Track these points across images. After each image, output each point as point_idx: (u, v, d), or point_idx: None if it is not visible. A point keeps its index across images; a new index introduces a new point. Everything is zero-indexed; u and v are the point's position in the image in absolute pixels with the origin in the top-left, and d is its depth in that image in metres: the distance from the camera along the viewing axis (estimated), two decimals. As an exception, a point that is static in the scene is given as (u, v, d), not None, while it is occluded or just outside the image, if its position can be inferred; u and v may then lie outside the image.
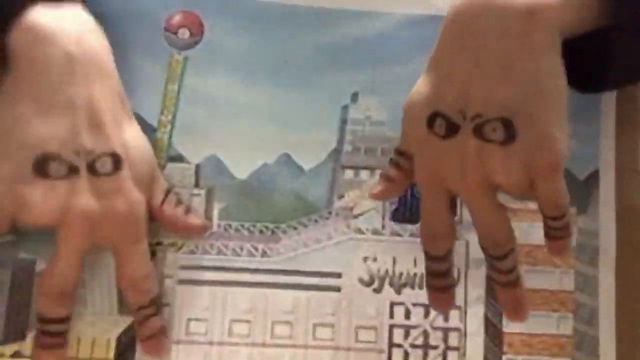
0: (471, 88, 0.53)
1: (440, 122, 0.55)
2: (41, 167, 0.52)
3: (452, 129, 0.54)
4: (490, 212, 0.58)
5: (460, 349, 0.72)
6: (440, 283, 0.64)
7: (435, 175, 0.57)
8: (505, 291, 0.58)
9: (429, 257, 0.63)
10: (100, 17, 0.60)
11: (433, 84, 0.57)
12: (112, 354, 0.69)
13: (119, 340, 0.71)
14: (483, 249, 0.62)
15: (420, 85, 0.58)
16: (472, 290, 0.72)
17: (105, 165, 0.54)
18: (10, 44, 0.52)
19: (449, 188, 0.57)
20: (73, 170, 0.53)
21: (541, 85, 0.52)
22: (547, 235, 0.61)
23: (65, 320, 0.60)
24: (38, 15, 0.52)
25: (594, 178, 0.74)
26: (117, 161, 0.55)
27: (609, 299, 0.73)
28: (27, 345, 0.66)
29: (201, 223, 0.69)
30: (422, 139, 0.57)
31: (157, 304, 0.61)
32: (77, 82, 0.53)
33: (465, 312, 0.72)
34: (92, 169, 0.53)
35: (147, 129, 0.74)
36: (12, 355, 0.69)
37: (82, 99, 0.53)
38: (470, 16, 0.54)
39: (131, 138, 0.57)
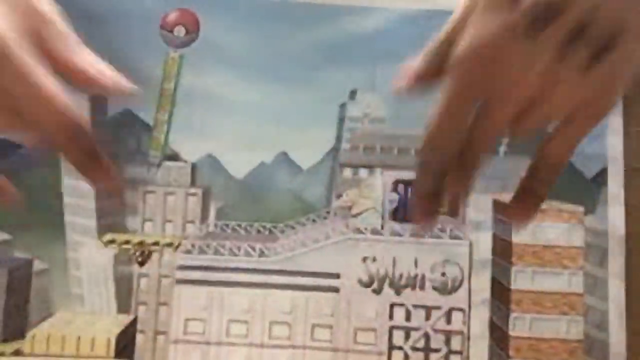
0: None
1: (529, 7, 0.41)
2: None
3: (546, 15, 0.41)
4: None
5: (463, 353, 0.72)
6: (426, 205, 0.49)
7: (484, 62, 0.43)
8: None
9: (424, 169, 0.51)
10: (96, 15, 0.61)
11: None
12: (112, 352, 0.70)
13: (118, 339, 0.72)
14: None
15: None
16: (476, 292, 0.72)
17: None
18: None
19: (487, 92, 0.44)
20: None
21: None
22: (527, 190, 0.51)
23: None
24: None
25: (602, 176, 0.75)
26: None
27: (618, 302, 0.73)
28: (26, 344, 0.67)
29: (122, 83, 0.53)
30: (497, 8, 0.42)
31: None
32: None
33: (469, 315, 0.73)
34: None
35: (143, 127, 0.74)
36: (13, 353, 0.70)
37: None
38: None
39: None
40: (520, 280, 0.71)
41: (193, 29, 0.72)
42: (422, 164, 0.50)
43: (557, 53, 0.42)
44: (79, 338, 0.69)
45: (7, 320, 0.69)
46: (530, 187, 0.51)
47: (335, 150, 0.66)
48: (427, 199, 0.50)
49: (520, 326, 0.70)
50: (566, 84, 0.43)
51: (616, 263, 0.72)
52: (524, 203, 0.50)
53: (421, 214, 0.51)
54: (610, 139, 0.74)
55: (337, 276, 0.72)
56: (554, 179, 0.49)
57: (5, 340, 0.67)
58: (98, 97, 0.77)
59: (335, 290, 0.71)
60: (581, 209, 0.71)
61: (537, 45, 0.42)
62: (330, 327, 0.71)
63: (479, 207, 0.71)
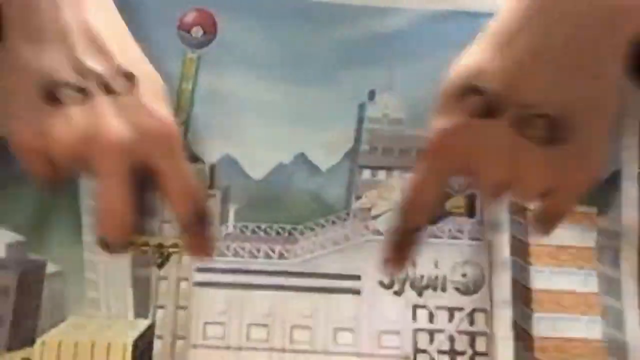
0: (530, 72, 0.46)
1: (476, 99, 0.47)
2: (51, 95, 0.50)
3: (488, 111, 0.47)
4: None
5: (488, 354, 0.71)
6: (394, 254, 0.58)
7: (448, 151, 0.50)
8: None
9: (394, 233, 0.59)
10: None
11: (483, 54, 0.49)
12: (129, 358, 0.69)
13: (136, 344, 0.71)
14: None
15: (468, 54, 0.50)
16: (497, 292, 0.71)
17: (120, 84, 0.52)
18: None
19: (458, 170, 0.51)
20: (86, 94, 0.51)
21: (609, 93, 0.46)
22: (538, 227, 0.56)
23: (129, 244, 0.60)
24: None
25: (615, 178, 0.74)
26: (130, 78, 0.53)
27: (632, 302, 0.72)
28: (35, 352, 0.65)
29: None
30: (448, 109, 0.50)
31: (207, 216, 0.58)
32: (67, 7, 0.51)
33: (492, 316, 0.72)
34: (108, 90, 0.52)
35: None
36: (21, 362, 0.69)
37: (75, 22, 0.52)
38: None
39: (138, 59, 0.55)
40: (540, 280, 0.70)
41: (211, 30, 0.72)
42: (394, 228, 0.58)
43: (514, 136, 0.46)
44: (93, 344, 0.68)
45: (15, 327, 0.68)
46: (538, 227, 0.57)
47: (354, 151, 0.65)
48: (395, 255, 0.58)
49: (544, 326, 0.69)
50: (531, 163, 0.47)
51: (629, 264, 0.71)
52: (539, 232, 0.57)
53: (389, 263, 0.59)
54: (624, 139, 0.73)
55: (358, 278, 0.71)
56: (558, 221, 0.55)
57: (9, 349, 0.65)
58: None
59: (357, 292, 0.70)
60: (594, 210, 0.70)
61: (491, 133, 0.47)
62: (352, 330, 0.70)
63: (495, 208, 0.70)
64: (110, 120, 0.51)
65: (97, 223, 0.57)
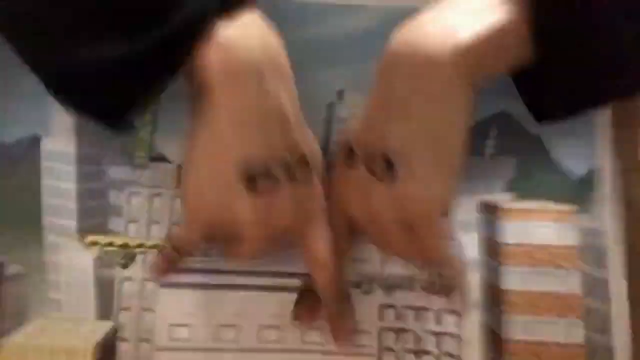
0: (372, 123, 0.56)
1: (347, 152, 0.58)
2: (249, 180, 0.54)
3: (352, 159, 0.58)
4: (385, 245, 0.63)
5: (454, 355, 0.70)
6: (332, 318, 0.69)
7: (338, 199, 0.61)
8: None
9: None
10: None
11: (358, 116, 0.60)
12: (90, 362, 0.67)
13: (99, 347, 0.69)
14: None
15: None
16: (467, 294, 0.71)
17: (301, 172, 0.57)
18: (202, 62, 0.53)
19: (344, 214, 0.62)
20: (276, 181, 0.55)
21: (433, 132, 0.54)
22: (425, 288, 0.68)
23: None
24: (226, 31, 0.53)
25: (591, 176, 0.73)
26: (308, 166, 0.58)
27: (621, 303, 0.71)
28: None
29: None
30: (338, 165, 0.61)
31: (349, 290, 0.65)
32: (268, 94, 0.54)
33: (461, 316, 0.71)
34: (290, 177, 0.56)
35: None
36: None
37: (273, 107, 0.55)
38: (389, 57, 0.56)
39: (311, 142, 0.60)
40: (512, 281, 0.69)
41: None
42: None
43: (367, 176, 0.57)
44: (55, 347, 0.66)
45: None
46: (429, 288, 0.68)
47: (323, 150, 0.64)
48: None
49: (515, 329, 0.68)
50: (380, 197, 0.56)
51: (616, 263, 0.71)
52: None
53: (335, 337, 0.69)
54: (598, 137, 0.72)
55: (327, 278, 0.69)
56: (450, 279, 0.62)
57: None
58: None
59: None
60: (570, 207, 0.70)
61: (354, 176, 0.59)
62: (320, 328, 0.69)
63: (464, 208, 0.70)
64: (286, 210, 0.57)
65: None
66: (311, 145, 0.59)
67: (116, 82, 0.53)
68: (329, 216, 0.62)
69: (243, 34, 0.54)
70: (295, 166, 0.56)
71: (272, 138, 0.54)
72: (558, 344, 0.71)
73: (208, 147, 0.55)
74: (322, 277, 0.63)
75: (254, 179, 0.54)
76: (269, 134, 0.54)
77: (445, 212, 0.57)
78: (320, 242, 0.61)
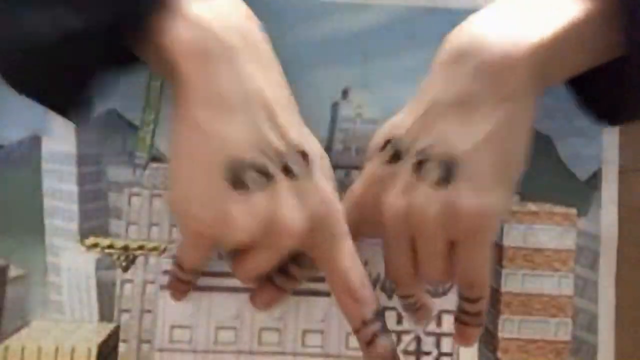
0: (427, 121, 0.51)
1: (390, 147, 0.52)
2: (237, 178, 0.47)
3: (396, 157, 0.51)
4: (397, 254, 0.54)
5: (453, 355, 0.71)
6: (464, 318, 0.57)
7: (360, 195, 0.55)
8: (462, 327, 0.55)
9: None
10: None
11: (403, 111, 0.54)
12: (92, 363, 0.68)
13: (100, 349, 0.69)
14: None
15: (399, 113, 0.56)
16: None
17: (297, 164, 0.49)
18: (168, 39, 0.47)
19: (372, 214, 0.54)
20: (269, 177, 0.48)
21: (500, 137, 0.49)
22: (457, 318, 0.55)
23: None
24: (199, 8, 0.48)
25: (596, 178, 0.73)
26: (305, 157, 0.50)
27: (608, 305, 0.72)
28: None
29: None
30: (372, 160, 0.55)
31: (383, 319, 0.53)
32: (246, 76, 0.48)
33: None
34: (286, 172, 0.49)
35: (129, 128, 0.72)
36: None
37: (252, 91, 0.48)
38: (453, 50, 0.51)
39: (306, 133, 0.53)
40: (511, 283, 0.70)
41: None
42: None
43: (412, 178, 0.50)
44: (57, 349, 0.66)
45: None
46: (459, 318, 0.56)
47: (327, 151, 0.64)
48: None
49: (509, 328, 0.69)
50: (425, 201, 0.49)
51: (608, 266, 0.71)
52: (461, 330, 0.57)
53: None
54: (605, 139, 0.72)
55: (329, 280, 0.69)
56: (479, 307, 0.55)
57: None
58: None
59: (327, 294, 0.69)
60: (574, 211, 0.70)
61: (395, 176, 0.51)
62: (322, 332, 0.69)
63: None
64: (290, 209, 0.48)
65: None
66: (309, 139, 0.52)
67: (62, 59, 0.47)
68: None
69: (218, 13, 0.49)
70: (292, 160, 0.49)
71: (259, 126, 0.48)
72: (546, 341, 0.72)
73: (188, 141, 0.48)
74: (355, 310, 0.52)
75: (240, 174, 0.47)
76: (254, 121, 0.48)
77: (494, 230, 0.51)
78: (348, 260, 0.52)
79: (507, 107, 0.48)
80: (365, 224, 0.54)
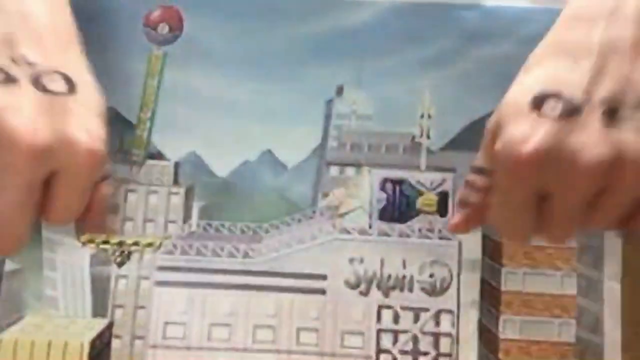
0: (605, 65, 0.45)
1: (554, 104, 0.46)
2: None
3: (571, 112, 0.45)
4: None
5: (452, 356, 0.71)
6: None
7: (530, 170, 0.47)
8: None
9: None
10: (78, 13, 0.59)
11: (541, 69, 0.48)
12: (85, 358, 0.68)
13: (93, 344, 0.70)
14: None
15: (520, 79, 0.50)
16: (465, 293, 0.71)
17: (56, 83, 0.46)
18: None
19: (547, 188, 0.47)
20: (10, 79, 0.44)
21: None
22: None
23: None
24: None
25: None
26: (69, 82, 0.46)
27: (614, 304, 0.72)
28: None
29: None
30: (523, 119, 0.47)
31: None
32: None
33: (458, 317, 0.72)
34: (39, 85, 0.45)
35: (126, 125, 0.73)
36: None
37: (13, 4, 0.46)
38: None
39: (81, 67, 0.50)
40: (511, 282, 0.70)
41: (177, 26, 0.71)
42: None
43: (602, 126, 0.44)
44: (50, 343, 0.67)
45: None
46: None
47: (321, 148, 0.65)
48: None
49: (510, 329, 0.69)
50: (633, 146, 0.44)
51: (612, 264, 0.71)
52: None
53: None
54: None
55: (324, 278, 0.70)
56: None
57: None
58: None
59: (322, 292, 0.70)
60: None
61: (578, 127, 0.44)
62: (316, 330, 0.70)
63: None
64: (27, 114, 0.44)
65: None
66: (83, 74, 0.49)
67: None
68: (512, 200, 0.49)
69: None
70: (49, 77, 0.46)
71: (7, 35, 0.46)
72: (549, 342, 0.72)
73: None
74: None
75: None
76: (2, 29, 0.46)
77: None
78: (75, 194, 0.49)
79: None
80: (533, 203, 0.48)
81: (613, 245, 0.73)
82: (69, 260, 0.71)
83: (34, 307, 0.71)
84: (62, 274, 0.71)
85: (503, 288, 0.71)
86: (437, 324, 0.72)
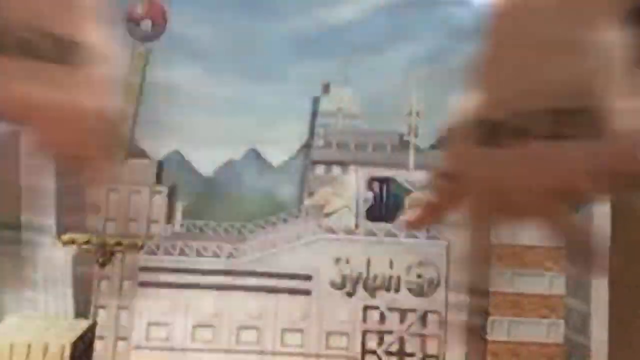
0: (531, 79, 0.45)
1: (483, 129, 0.47)
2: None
3: (514, 134, 0.46)
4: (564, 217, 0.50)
5: (439, 357, 0.73)
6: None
7: (494, 192, 0.48)
8: None
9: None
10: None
11: (484, 93, 0.48)
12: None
13: (75, 345, 0.70)
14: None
15: (467, 100, 0.50)
16: (452, 295, 0.73)
17: (77, 54, 0.46)
18: None
19: (510, 205, 0.49)
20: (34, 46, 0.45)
21: (608, 62, 0.45)
22: None
23: None
24: None
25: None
26: (86, 52, 0.47)
27: (601, 304, 0.73)
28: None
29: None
30: (475, 155, 0.48)
31: None
32: None
33: (446, 319, 0.73)
34: (62, 57, 0.45)
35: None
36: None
37: None
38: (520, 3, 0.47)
39: (100, 37, 0.49)
40: (500, 282, 0.72)
41: (160, 22, 0.72)
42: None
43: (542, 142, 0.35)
44: (30, 345, 0.67)
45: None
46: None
47: (307, 146, 0.66)
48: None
49: (498, 330, 0.71)
50: (569, 156, 0.35)
51: (601, 264, 0.72)
52: None
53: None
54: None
55: (309, 278, 0.72)
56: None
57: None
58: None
59: (307, 292, 0.71)
60: (564, 207, 0.71)
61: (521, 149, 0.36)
62: (301, 331, 0.71)
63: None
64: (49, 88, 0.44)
65: None
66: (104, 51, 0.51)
67: None
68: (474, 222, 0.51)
69: None
70: (71, 46, 0.48)
71: (41, 6, 0.38)
72: (538, 343, 0.73)
73: None
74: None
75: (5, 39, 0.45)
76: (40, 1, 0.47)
77: None
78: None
79: (603, 32, 0.45)
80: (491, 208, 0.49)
81: (601, 245, 0.74)
82: (50, 261, 0.72)
83: (13, 309, 0.72)
84: (43, 275, 0.73)
85: (491, 289, 0.73)
86: (424, 325, 0.73)
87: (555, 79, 0.39)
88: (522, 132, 0.38)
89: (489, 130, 0.39)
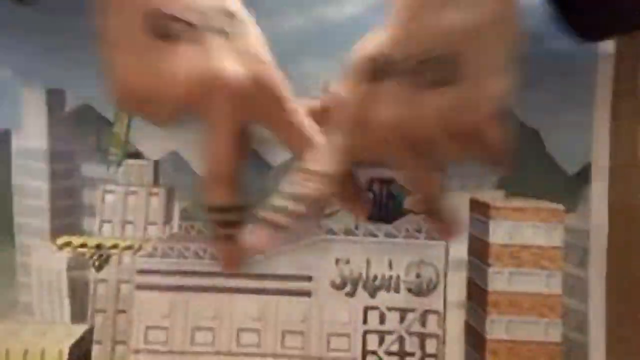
0: (412, 27, 0.48)
1: (374, 66, 0.49)
2: (160, 29, 0.45)
3: (384, 71, 0.49)
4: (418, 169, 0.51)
5: (438, 356, 0.71)
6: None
7: (356, 121, 0.51)
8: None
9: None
10: (59, 6, 0.58)
11: (390, 30, 0.51)
12: (63, 365, 0.67)
13: (72, 351, 0.69)
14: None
15: (374, 37, 0.53)
16: (451, 294, 0.71)
17: (226, 24, 0.48)
18: None
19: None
20: (196, 30, 0.46)
21: (490, 15, 0.46)
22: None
23: (236, 208, 0.52)
24: None
25: (585, 173, 0.73)
26: (233, 18, 0.49)
27: (599, 303, 0.72)
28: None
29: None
30: (350, 81, 0.52)
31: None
32: None
33: (445, 318, 0.72)
34: (216, 29, 0.47)
35: (103, 123, 0.72)
36: None
37: None
38: None
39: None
40: (498, 281, 0.70)
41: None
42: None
43: (408, 88, 0.47)
44: (26, 351, 0.66)
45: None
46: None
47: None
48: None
49: (497, 329, 0.69)
50: (425, 108, 0.47)
51: (597, 264, 0.71)
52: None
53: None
54: (596, 132, 0.72)
55: (309, 279, 0.70)
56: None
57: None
58: (55, 90, 0.75)
59: (307, 294, 0.69)
60: (561, 207, 0.70)
61: (387, 91, 0.48)
62: (302, 333, 0.69)
63: (455, 206, 0.70)
64: (226, 62, 0.46)
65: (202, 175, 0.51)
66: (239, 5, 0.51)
67: None
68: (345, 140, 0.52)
69: None
70: (219, 19, 0.48)
71: None
72: (537, 342, 0.72)
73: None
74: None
75: (165, 26, 0.46)
76: None
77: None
78: (299, 116, 0.51)
79: None
80: (363, 149, 0.51)
81: (599, 244, 0.73)
82: (45, 265, 0.70)
83: (7, 314, 0.70)
84: (37, 279, 0.71)
85: (489, 288, 0.71)
86: (424, 324, 0.72)
87: (447, 26, 0.46)
88: (400, 73, 0.47)
89: (380, 68, 0.49)
